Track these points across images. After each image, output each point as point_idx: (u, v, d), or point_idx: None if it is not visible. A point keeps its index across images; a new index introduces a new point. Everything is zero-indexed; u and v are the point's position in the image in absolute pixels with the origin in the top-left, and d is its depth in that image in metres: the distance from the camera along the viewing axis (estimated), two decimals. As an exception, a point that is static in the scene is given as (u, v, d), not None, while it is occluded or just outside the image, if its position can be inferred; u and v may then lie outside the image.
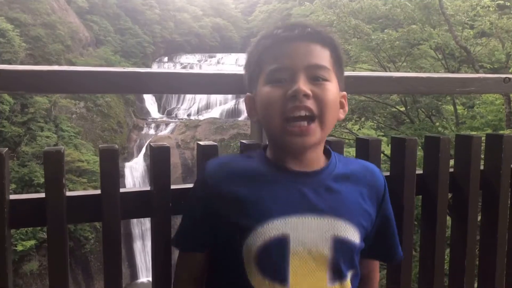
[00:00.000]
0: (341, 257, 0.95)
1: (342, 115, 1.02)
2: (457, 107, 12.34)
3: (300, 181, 0.97)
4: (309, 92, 0.92)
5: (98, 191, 1.15)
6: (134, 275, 17.68)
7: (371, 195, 1.03)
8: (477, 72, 10.80)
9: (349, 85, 1.40)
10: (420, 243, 1.55)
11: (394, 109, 13.01)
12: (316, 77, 0.95)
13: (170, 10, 35.61)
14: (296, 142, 0.94)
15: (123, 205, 1.16)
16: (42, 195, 1.10)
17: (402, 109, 12.65)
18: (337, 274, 0.96)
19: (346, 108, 1.03)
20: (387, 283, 1.50)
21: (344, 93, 1.03)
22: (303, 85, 0.92)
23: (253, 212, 0.94)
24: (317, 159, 1.01)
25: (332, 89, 0.97)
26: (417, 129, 11.41)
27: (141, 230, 18.35)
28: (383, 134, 13.34)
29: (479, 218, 1.58)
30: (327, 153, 1.05)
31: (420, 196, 1.52)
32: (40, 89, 1.12)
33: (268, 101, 0.95)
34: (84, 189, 17.65)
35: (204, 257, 1.06)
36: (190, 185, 1.25)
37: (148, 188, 1.21)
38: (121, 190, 1.16)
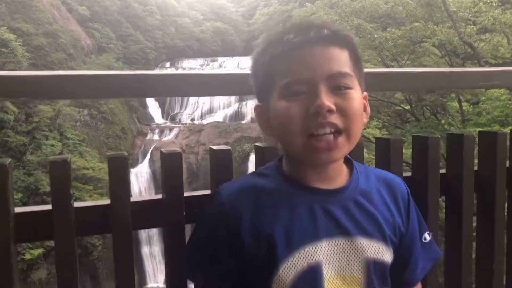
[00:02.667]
0: (375, 278, 0.89)
1: (365, 119, 0.92)
2: (462, 103, 12.24)
3: (326, 200, 0.90)
4: (333, 107, 0.83)
5: (108, 201, 1.09)
6: (142, 281, 17.61)
7: (397, 205, 0.97)
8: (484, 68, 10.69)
9: (367, 82, 1.33)
10: (445, 245, 1.47)
11: (399, 108, 12.93)
12: (338, 86, 0.85)
13: (171, 16, 35.67)
14: (323, 158, 0.86)
15: (134, 215, 1.10)
16: (49, 207, 1.04)
17: (407, 107, 12.57)
18: None
19: (368, 109, 0.94)
20: None
21: (365, 93, 0.94)
22: (326, 99, 0.83)
23: (282, 244, 0.85)
24: (339, 172, 0.94)
25: (357, 97, 0.87)
26: (423, 127, 11.32)
27: (148, 235, 18.30)
28: (387, 133, 13.26)
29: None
30: (346, 161, 0.97)
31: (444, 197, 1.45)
32: (43, 95, 1.06)
33: (287, 118, 0.85)
34: (90, 196, 17.64)
35: None
36: (205, 192, 1.19)
37: (159, 196, 1.15)
38: (132, 199, 1.10)
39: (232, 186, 0.94)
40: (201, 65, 31.44)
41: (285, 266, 0.85)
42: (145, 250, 18.22)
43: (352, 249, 0.88)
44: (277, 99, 0.87)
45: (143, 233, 17.99)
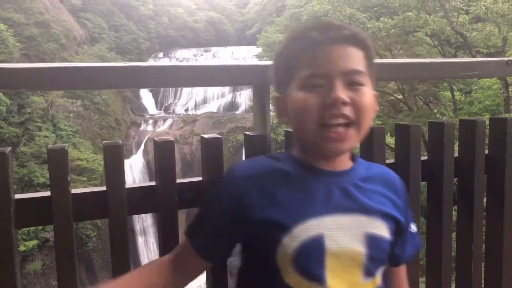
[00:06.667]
0: (374, 253, 0.95)
1: (373, 115, 1.01)
2: (455, 93, 12.35)
3: (330, 180, 0.97)
4: (347, 99, 0.91)
5: (104, 188, 1.14)
6: (137, 271, 17.69)
7: (396, 197, 1.04)
8: (474, 57, 10.77)
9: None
10: (426, 229, 1.54)
11: (392, 97, 13.01)
12: (353, 83, 0.93)
13: (164, 5, 35.40)
14: (333, 148, 0.94)
15: (129, 200, 1.15)
16: (48, 193, 1.09)
17: (400, 97, 12.65)
18: (371, 270, 0.96)
19: (377, 107, 1.02)
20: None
21: (375, 92, 1.02)
22: (341, 93, 0.91)
23: (287, 214, 0.92)
24: (345, 160, 1.02)
25: (368, 93, 0.96)
26: (415, 117, 11.43)
27: (143, 226, 18.38)
28: (381, 122, 13.35)
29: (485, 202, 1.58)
30: (351, 155, 1.06)
31: (425, 183, 1.51)
32: (40, 86, 1.10)
33: (304, 107, 0.93)
34: (85, 187, 17.65)
35: (205, 265, 1.05)
36: (196, 179, 1.25)
37: (153, 183, 1.20)
38: (126, 185, 1.15)
39: (243, 163, 1.03)
40: (195, 55, 31.30)
41: (289, 237, 0.90)
42: (140, 241, 18.30)
43: (353, 225, 0.94)
44: (296, 90, 0.94)
45: (138, 224, 18.07)
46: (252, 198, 0.93)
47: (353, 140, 0.94)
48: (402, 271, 1.13)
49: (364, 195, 0.98)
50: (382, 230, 0.97)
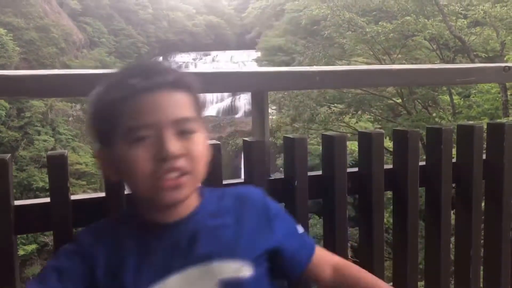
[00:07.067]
0: None
1: (208, 159, 0.93)
2: (454, 97, 12.37)
3: (175, 233, 0.89)
4: (179, 152, 0.83)
5: (103, 194, 1.14)
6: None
7: (258, 219, 0.96)
8: (473, 61, 10.81)
9: (350, 79, 1.40)
10: (425, 233, 1.55)
11: (391, 101, 13.03)
12: (183, 131, 0.85)
13: (163, 10, 35.55)
14: (169, 197, 0.85)
15: (128, 206, 1.15)
16: (47, 199, 1.10)
17: (399, 101, 12.68)
18: None
19: (208, 153, 0.93)
20: (393, 276, 1.50)
21: (206, 134, 0.93)
22: (173, 146, 0.82)
23: (131, 286, 0.84)
24: (189, 202, 0.92)
25: (201, 140, 0.89)
26: (414, 120, 11.44)
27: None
28: (380, 126, 13.37)
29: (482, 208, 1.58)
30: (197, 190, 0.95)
31: (424, 188, 1.52)
32: (41, 93, 1.11)
33: (133, 163, 0.83)
34: (84, 191, 17.65)
35: None
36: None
37: (152, 189, 1.20)
38: (126, 192, 1.16)
39: (91, 231, 0.94)
40: (194, 59, 31.40)
41: None
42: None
43: (205, 275, 0.87)
44: (121, 144, 0.85)
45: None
46: (98, 271, 0.86)
47: (189, 186, 0.87)
48: (317, 258, 1.02)
49: (214, 236, 0.90)
50: (241, 270, 0.89)
